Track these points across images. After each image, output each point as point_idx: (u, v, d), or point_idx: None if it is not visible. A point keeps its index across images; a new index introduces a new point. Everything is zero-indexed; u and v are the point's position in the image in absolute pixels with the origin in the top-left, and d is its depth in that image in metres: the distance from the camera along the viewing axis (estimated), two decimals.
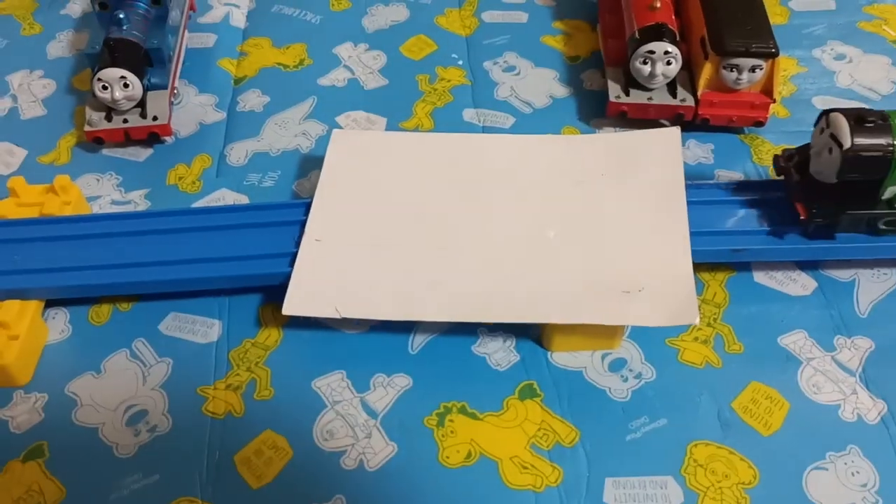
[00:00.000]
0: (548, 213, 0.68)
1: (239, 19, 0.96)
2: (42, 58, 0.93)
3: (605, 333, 0.63)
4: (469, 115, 0.84)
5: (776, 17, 0.95)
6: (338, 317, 0.61)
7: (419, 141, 0.75)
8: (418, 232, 0.67)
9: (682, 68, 0.79)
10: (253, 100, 0.86)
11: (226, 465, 0.58)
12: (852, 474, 0.57)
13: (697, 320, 0.59)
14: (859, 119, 0.61)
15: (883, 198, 0.63)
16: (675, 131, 0.73)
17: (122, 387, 0.63)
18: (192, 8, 0.95)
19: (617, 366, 0.63)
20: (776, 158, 0.68)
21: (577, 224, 0.67)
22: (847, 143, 0.60)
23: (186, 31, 0.92)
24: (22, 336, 0.63)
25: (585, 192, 0.69)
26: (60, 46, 0.94)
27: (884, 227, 0.64)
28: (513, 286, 0.63)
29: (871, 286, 0.68)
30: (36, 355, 0.65)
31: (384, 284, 0.63)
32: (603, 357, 0.64)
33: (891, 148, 0.60)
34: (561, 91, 0.86)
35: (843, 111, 0.62)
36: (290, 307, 0.62)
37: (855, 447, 0.59)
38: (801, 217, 0.64)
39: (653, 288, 0.61)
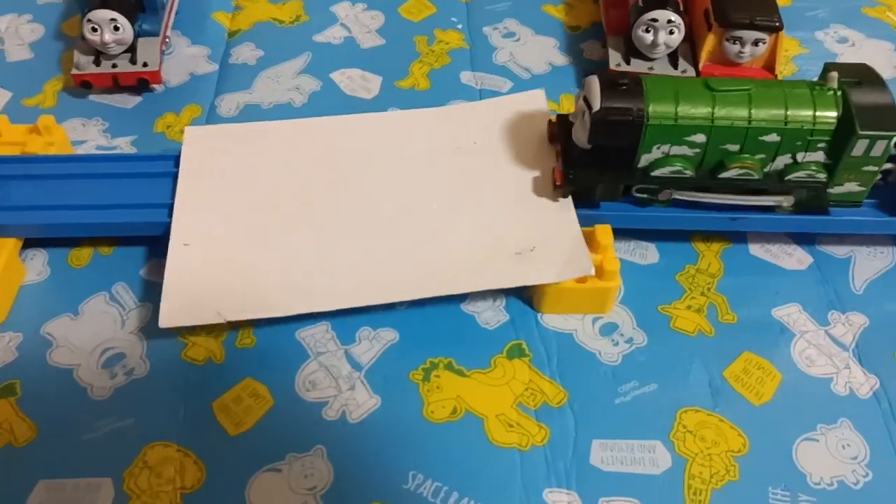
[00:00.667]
0: (428, 187, 0.66)
1: None
2: (31, 2, 0.90)
3: (596, 297, 0.61)
4: (466, 77, 0.82)
5: None
6: (222, 321, 0.58)
7: (283, 128, 0.72)
8: (296, 222, 0.64)
9: (684, 40, 0.78)
10: (246, 53, 0.84)
11: (203, 411, 0.57)
12: (843, 447, 0.56)
13: (592, 271, 0.59)
14: (611, 83, 0.58)
15: (638, 166, 0.60)
16: (540, 93, 0.73)
17: (99, 329, 0.61)
18: None
19: (608, 330, 0.62)
20: (549, 124, 0.67)
21: (458, 194, 0.66)
22: (596, 106, 0.58)
23: None
24: None
25: (462, 161, 0.68)
26: None
27: (641, 195, 0.63)
28: (404, 263, 0.61)
29: (867, 263, 0.67)
30: (11, 295, 0.63)
31: (267, 280, 0.60)
32: (594, 321, 0.63)
33: (640, 113, 0.57)
34: (560, 59, 0.85)
35: (600, 74, 0.60)
36: (167, 319, 0.58)
37: (846, 420, 0.58)
38: (557, 183, 0.62)
39: (544, 246, 0.61)
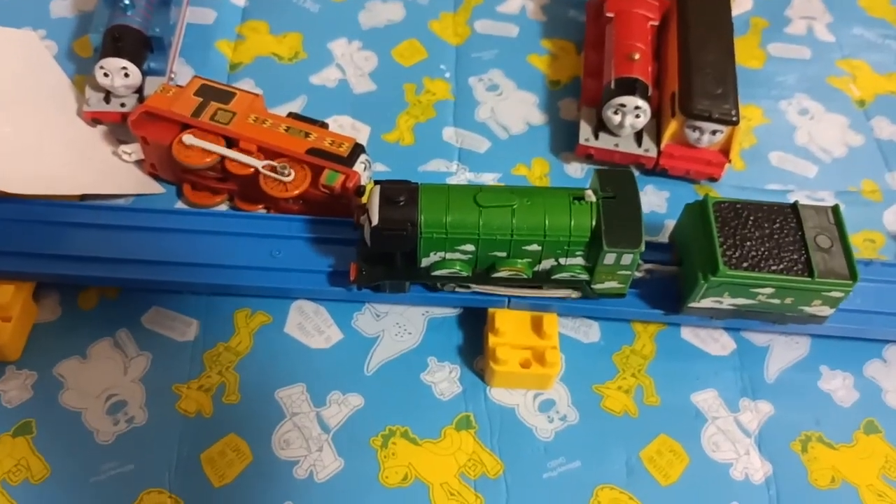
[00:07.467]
0: None
1: None
2: (45, 16, 0.95)
3: (538, 380, 0.71)
4: (448, 134, 0.89)
5: (753, 60, 1.00)
6: None
7: None
8: None
9: (652, 117, 0.84)
10: (246, 89, 0.90)
11: (192, 462, 0.66)
12: None
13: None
14: (389, 198, 0.64)
15: (421, 266, 0.68)
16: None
17: (105, 375, 0.70)
18: None
19: (546, 406, 0.71)
20: (357, 213, 0.70)
21: None
22: (375, 220, 0.64)
23: (188, 7, 0.94)
24: (15, 317, 0.69)
25: None
26: (63, 6, 0.97)
27: (441, 286, 0.71)
28: None
29: (782, 353, 0.76)
30: (26, 333, 0.71)
31: None
32: (535, 396, 0.72)
33: (414, 227, 0.64)
34: (537, 118, 0.91)
35: (383, 187, 0.65)
36: None
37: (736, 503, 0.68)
38: (351, 278, 0.69)
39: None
